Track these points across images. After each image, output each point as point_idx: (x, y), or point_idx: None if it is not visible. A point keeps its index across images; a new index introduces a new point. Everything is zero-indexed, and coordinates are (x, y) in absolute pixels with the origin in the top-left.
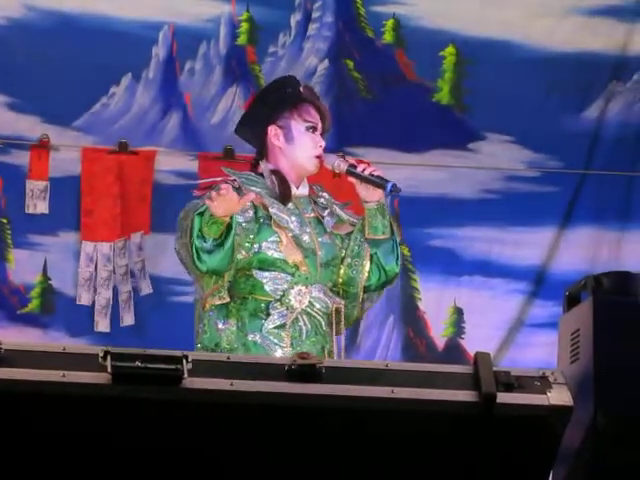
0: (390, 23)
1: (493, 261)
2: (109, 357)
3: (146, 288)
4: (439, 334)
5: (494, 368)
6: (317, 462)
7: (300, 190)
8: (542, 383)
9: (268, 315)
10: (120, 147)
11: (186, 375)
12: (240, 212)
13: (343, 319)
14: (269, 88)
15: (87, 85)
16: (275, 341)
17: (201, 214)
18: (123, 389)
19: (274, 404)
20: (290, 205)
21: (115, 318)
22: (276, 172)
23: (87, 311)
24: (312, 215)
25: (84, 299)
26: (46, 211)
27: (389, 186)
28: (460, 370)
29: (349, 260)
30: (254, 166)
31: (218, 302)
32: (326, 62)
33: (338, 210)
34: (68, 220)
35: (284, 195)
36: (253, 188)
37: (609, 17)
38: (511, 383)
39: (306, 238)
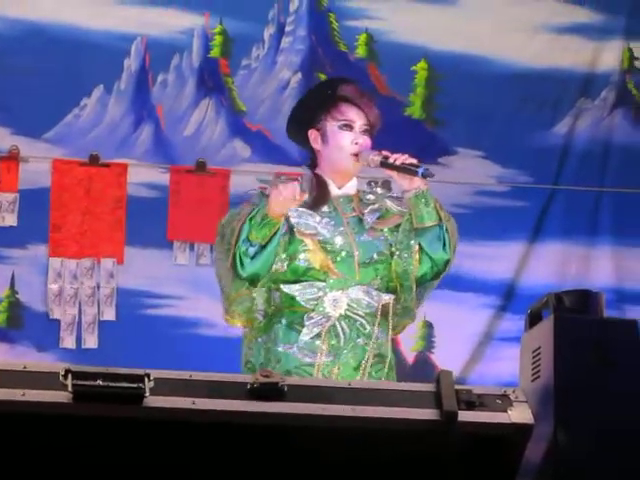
0: (363, 37)
1: (463, 275)
2: (70, 376)
3: (110, 315)
4: (409, 348)
5: (456, 386)
6: None
7: (343, 190)
8: (503, 401)
9: (303, 326)
10: (91, 159)
11: (148, 394)
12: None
13: (391, 314)
14: (310, 92)
15: (58, 96)
16: (311, 352)
17: (252, 218)
18: (84, 408)
19: (236, 422)
20: (326, 208)
21: (79, 337)
22: (315, 175)
23: (55, 326)
24: (352, 214)
25: (56, 313)
26: (14, 223)
27: (420, 171)
28: (422, 388)
29: (399, 253)
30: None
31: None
32: (299, 75)
33: (389, 203)
34: (37, 233)
35: (319, 198)
36: None
37: (578, 34)
38: (472, 401)
39: (339, 240)
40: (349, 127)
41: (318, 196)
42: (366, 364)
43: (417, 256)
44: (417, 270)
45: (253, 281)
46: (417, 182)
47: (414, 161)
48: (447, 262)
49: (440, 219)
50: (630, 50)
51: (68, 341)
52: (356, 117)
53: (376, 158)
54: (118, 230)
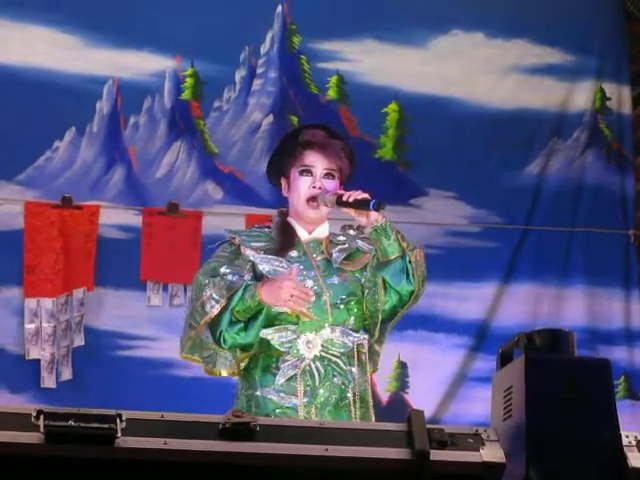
0: (334, 79)
1: (437, 316)
2: (42, 416)
3: (79, 340)
4: (383, 388)
5: (428, 425)
6: None
7: (314, 234)
8: (475, 440)
9: (279, 369)
10: (64, 202)
11: (120, 434)
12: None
13: (367, 353)
14: (281, 141)
15: (30, 139)
16: (288, 394)
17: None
18: (56, 449)
19: (208, 462)
20: (295, 253)
21: (57, 374)
22: (283, 222)
23: (30, 367)
24: (321, 257)
25: (33, 353)
26: None
27: (372, 204)
28: (394, 428)
29: (368, 290)
30: None
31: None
32: (270, 117)
33: (360, 243)
34: (11, 275)
35: (285, 244)
36: (253, 244)
37: (549, 76)
38: (444, 440)
39: (310, 283)
40: (308, 172)
41: (284, 242)
42: (347, 403)
43: (382, 291)
44: (384, 304)
45: (242, 349)
46: (374, 216)
47: (366, 196)
48: (412, 293)
49: (403, 250)
50: (602, 90)
51: (49, 380)
52: (317, 162)
53: (332, 198)
54: (88, 260)
